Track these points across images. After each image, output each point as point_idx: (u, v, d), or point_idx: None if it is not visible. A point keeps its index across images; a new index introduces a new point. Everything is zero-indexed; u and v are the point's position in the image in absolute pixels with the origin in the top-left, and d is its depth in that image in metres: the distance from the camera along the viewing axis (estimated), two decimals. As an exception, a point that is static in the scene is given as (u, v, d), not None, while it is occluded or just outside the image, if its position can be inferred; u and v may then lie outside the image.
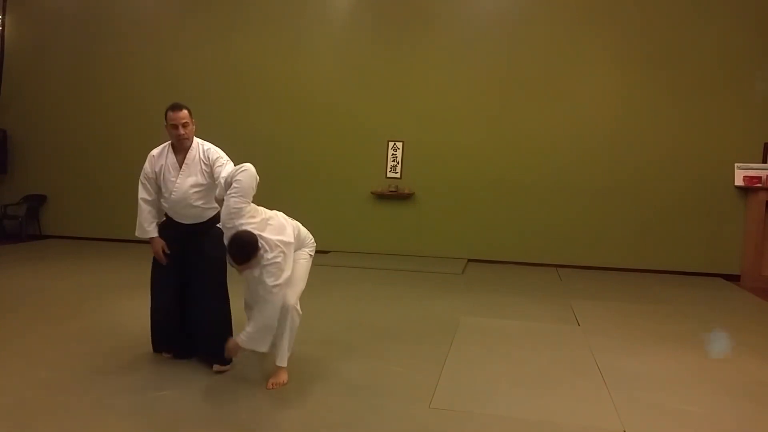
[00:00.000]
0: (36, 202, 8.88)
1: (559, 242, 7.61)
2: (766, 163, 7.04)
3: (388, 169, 7.87)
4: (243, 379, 3.32)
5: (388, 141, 7.79)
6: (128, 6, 8.64)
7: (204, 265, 3.47)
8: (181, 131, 3.44)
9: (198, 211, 3.54)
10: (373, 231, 8.00)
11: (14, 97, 8.93)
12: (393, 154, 7.79)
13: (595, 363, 3.75)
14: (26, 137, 8.94)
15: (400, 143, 7.79)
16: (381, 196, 7.89)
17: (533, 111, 7.59)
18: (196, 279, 3.51)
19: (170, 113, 3.45)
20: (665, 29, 7.26)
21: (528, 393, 3.22)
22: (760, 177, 6.94)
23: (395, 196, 7.85)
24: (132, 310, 4.81)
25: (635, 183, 7.37)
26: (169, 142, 3.58)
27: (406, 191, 7.82)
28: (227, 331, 3.46)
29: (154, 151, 3.64)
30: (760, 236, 6.78)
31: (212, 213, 3.58)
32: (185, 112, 3.47)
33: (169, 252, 3.55)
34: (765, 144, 7.06)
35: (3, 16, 8.83)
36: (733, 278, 7.06)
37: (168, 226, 3.65)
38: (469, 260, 7.67)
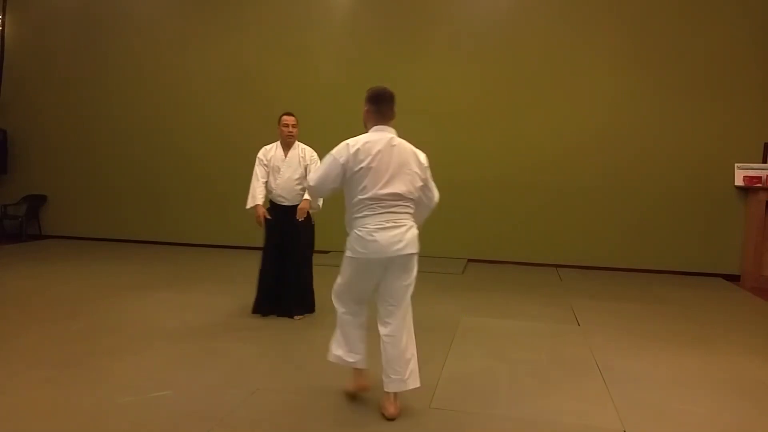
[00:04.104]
0: (36, 202, 8.88)
1: (559, 242, 7.61)
2: (766, 163, 7.04)
3: (388, 169, 7.86)
4: (243, 381, 3.32)
5: (388, 141, 7.76)
6: (128, 6, 8.64)
7: (297, 241, 4.67)
8: (291, 130, 4.67)
9: (295, 193, 4.69)
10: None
11: (14, 97, 8.94)
12: (393, 154, 7.78)
13: (595, 363, 3.75)
14: (26, 137, 8.95)
15: (400, 143, 7.75)
16: (381, 196, 7.87)
17: (533, 111, 7.59)
18: (290, 251, 4.67)
19: (284, 117, 4.70)
20: (666, 29, 7.25)
21: (528, 393, 3.22)
22: (760, 177, 6.94)
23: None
24: (132, 310, 4.81)
25: (635, 183, 7.37)
26: (278, 141, 4.75)
27: (406, 191, 7.81)
28: (309, 291, 4.82)
29: (267, 147, 4.79)
30: (760, 236, 6.77)
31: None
32: (294, 118, 4.71)
33: (270, 218, 4.65)
34: (765, 144, 7.06)
35: (3, 16, 8.83)
36: (733, 278, 7.05)
37: (270, 210, 4.72)
38: (469, 260, 7.67)
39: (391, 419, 2.83)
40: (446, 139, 7.70)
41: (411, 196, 2.89)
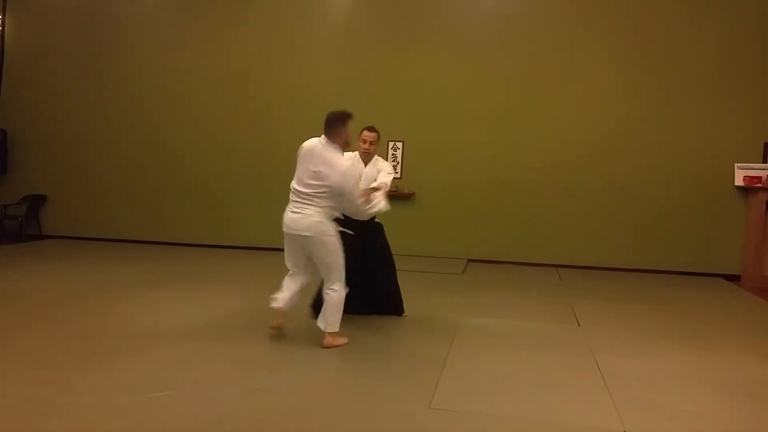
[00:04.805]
0: (36, 202, 8.88)
1: (559, 242, 7.61)
2: (766, 163, 7.04)
3: (388, 169, 7.86)
4: (243, 381, 3.32)
5: (388, 141, 7.77)
6: (128, 5, 8.64)
7: (378, 248, 4.63)
8: (368, 146, 4.41)
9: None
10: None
11: (14, 97, 8.93)
12: (393, 154, 7.78)
13: (595, 363, 3.75)
14: (26, 137, 8.94)
15: (400, 143, 7.78)
16: (381, 196, 7.87)
17: (533, 111, 7.59)
18: (373, 257, 4.58)
19: (365, 132, 4.42)
20: (666, 30, 7.26)
21: (528, 393, 3.22)
22: (760, 177, 6.95)
23: (395, 196, 7.83)
24: (132, 310, 4.81)
25: (635, 183, 7.37)
26: (357, 152, 4.46)
27: (406, 191, 7.82)
28: (398, 289, 4.79)
29: (347, 155, 4.44)
30: (760, 236, 6.78)
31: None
32: (375, 134, 4.44)
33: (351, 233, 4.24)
34: (765, 144, 7.06)
35: (3, 16, 8.83)
36: (733, 278, 7.06)
37: (342, 223, 4.29)
38: (469, 260, 7.67)
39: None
40: (447, 139, 7.70)
41: (312, 192, 3.74)
